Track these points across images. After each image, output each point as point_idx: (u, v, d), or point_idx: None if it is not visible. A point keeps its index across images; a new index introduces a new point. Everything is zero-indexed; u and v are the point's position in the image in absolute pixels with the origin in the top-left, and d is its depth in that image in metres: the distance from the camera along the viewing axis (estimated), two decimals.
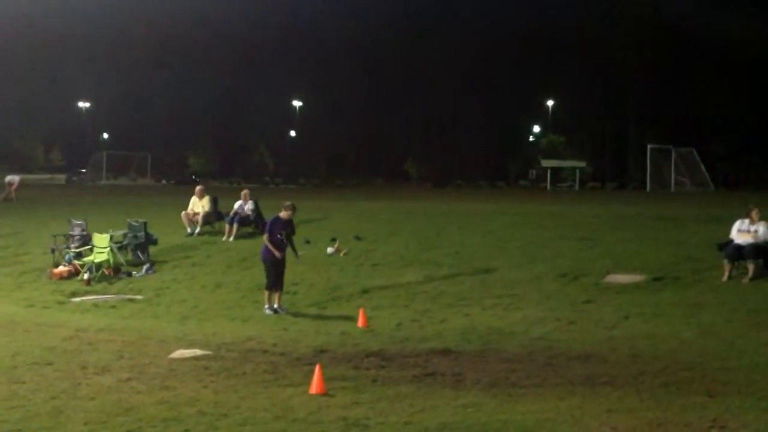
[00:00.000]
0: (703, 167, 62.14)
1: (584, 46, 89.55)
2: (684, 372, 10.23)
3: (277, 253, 15.99)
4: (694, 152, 62.08)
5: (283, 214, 16.39)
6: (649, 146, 62.29)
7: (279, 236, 16.13)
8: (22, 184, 43.65)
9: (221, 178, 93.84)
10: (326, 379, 9.42)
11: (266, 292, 16.00)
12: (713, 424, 7.86)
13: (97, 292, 18.67)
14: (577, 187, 75.03)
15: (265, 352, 11.84)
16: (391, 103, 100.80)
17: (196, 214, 24.81)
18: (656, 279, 16.84)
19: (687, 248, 19.39)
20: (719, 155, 78.69)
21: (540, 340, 12.53)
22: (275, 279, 16.03)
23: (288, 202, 16.76)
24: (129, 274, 20.35)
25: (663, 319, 13.79)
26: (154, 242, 22.49)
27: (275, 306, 15.78)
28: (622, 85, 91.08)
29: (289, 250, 16.40)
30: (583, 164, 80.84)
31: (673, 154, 60.70)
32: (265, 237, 16.29)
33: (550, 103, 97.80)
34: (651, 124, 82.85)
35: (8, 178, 43.72)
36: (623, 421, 7.92)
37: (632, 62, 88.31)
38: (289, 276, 19.06)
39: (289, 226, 16.55)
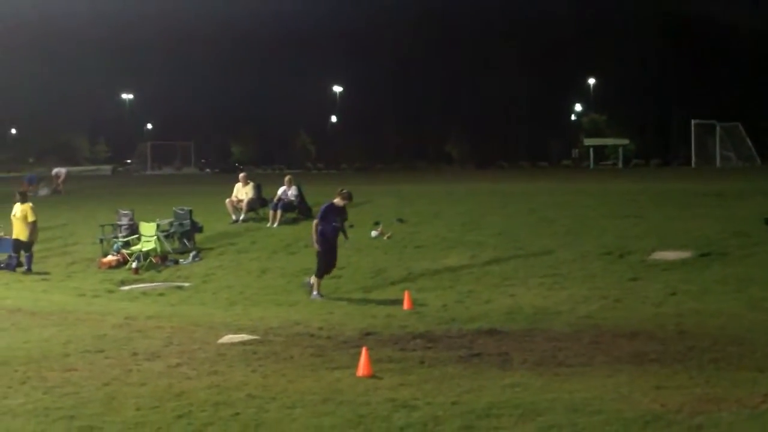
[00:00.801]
0: (749, 141, 61.15)
1: (624, 22, 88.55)
2: (733, 347, 10.14)
3: (316, 246, 15.86)
4: (740, 126, 61.11)
5: (338, 201, 16.23)
6: (693, 121, 61.40)
7: (334, 224, 15.99)
8: (68, 177, 44.22)
9: (264, 166, 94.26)
10: (373, 361, 9.48)
11: (316, 279, 15.88)
12: (764, 399, 7.79)
13: (145, 281, 18.93)
14: (620, 165, 74.25)
15: (311, 335, 11.93)
16: (431, 86, 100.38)
17: (240, 201, 25.00)
18: (703, 255, 16.68)
19: (733, 223, 19.17)
20: (765, 129, 77.35)
21: (586, 319, 12.48)
22: (326, 266, 15.94)
23: (344, 190, 16.64)
24: (176, 262, 20.59)
25: (710, 295, 13.67)
26: (200, 230, 22.71)
27: (315, 292, 15.77)
28: (664, 60, 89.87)
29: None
30: (626, 142, 79.87)
31: (718, 129, 59.78)
32: (314, 222, 16.15)
33: (591, 81, 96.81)
34: (694, 100, 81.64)
35: (55, 170, 44.39)
36: (672, 398, 7.88)
37: (673, 37, 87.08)
38: None
39: (344, 213, 16.42)
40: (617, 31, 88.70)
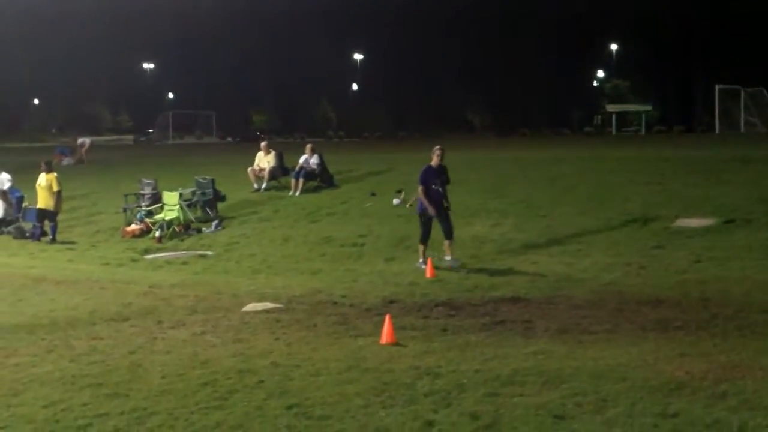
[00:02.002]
0: None
1: None
2: (758, 315, 10.09)
3: (431, 210, 14.80)
4: (765, 92, 60.40)
5: (434, 161, 15.20)
6: (717, 87, 60.76)
7: (434, 186, 14.97)
8: (92, 146, 44.40)
9: (285, 134, 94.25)
10: (396, 329, 9.50)
11: (420, 246, 15.14)
12: None
13: (168, 249, 19.02)
14: (643, 131, 73.73)
15: (335, 303, 11.97)
16: (452, 54, 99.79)
17: (262, 169, 25.04)
18: (727, 222, 16.56)
19: (758, 189, 19.01)
20: None
21: (609, 286, 12.46)
22: (446, 227, 15.13)
23: (436, 147, 15.54)
24: (199, 231, 20.68)
25: (735, 262, 13.59)
26: (222, 198, 22.79)
27: (448, 257, 15.00)
28: (686, 26, 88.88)
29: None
30: (648, 108, 79.32)
31: (742, 95, 59.14)
32: (419, 190, 15.10)
33: (613, 47, 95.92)
34: (718, 65, 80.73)
35: (79, 140, 44.60)
36: (697, 365, 7.86)
37: (695, 3, 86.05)
38: (355, 228, 19.27)
39: (443, 173, 15.26)
40: None
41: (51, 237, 20.61)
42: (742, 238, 15.27)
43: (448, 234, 15.08)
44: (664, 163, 25.02)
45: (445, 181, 15.24)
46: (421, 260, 14.84)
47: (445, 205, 15.19)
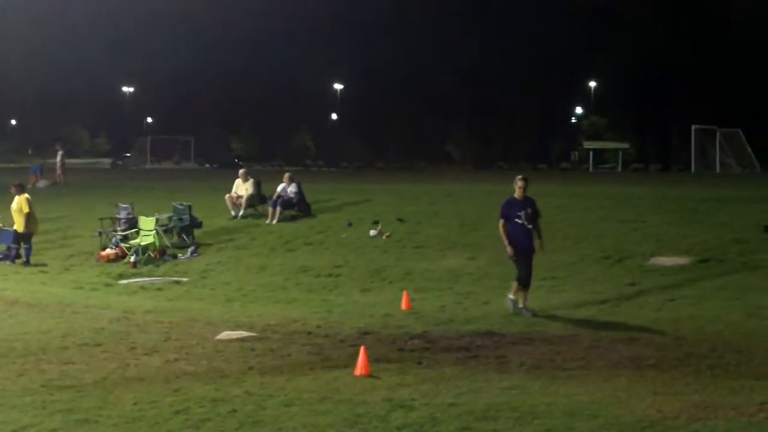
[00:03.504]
0: (749, 148, 61.22)
1: (625, 26, 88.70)
2: (731, 355, 10.15)
3: (508, 249, 13.25)
4: (740, 133, 61.20)
5: (517, 193, 13.45)
6: (693, 127, 61.46)
7: (518, 220, 13.27)
8: (64, 165, 43.70)
9: (263, 162, 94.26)
10: (371, 360, 9.48)
11: (514, 283, 13.43)
12: (761, 407, 7.80)
13: (143, 275, 18.90)
14: (620, 168, 74.36)
15: (309, 333, 11.93)
16: (432, 86, 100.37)
17: (239, 197, 25.00)
18: (702, 261, 16.69)
19: (732, 230, 19.18)
20: (766, 135, 77.35)
21: (584, 323, 12.49)
22: (523, 273, 13.29)
23: (518, 177, 13.70)
24: (174, 257, 20.58)
25: (709, 302, 13.67)
26: (199, 225, 22.71)
27: (520, 305, 13.23)
28: (664, 65, 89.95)
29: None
30: (626, 146, 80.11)
31: (718, 135, 59.86)
32: (499, 225, 13.44)
33: (592, 84, 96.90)
34: (695, 105, 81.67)
35: (59, 152, 43.93)
36: (669, 404, 7.89)
37: (674, 43, 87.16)
38: (332, 258, 19.25)
39: (528, 205, 13.44)
40: (619, 34, 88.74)
41: (24, 259, 20.44)
42: (716, 278, 15.39)
43: (522, 281, 13.28)
44: (640, 201, 25.23)
45: (533, 216, 13.39)
46: (509, 294, 13.40)
47: (537, 244, 13.45)
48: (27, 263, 20.26)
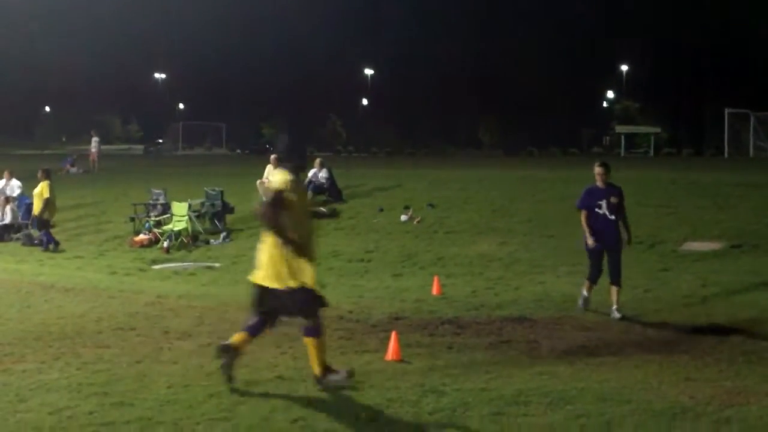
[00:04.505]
0: None
1: (659, 9, 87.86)
2: (764, 341, 10.09)
3: (590, 240, 12.02)
4: None
5: (598, 182, 12.17)
6: (726, 110, 60.79)
7: (598, 210, 11.99)
8: (100, 152, 44.14)
9: None
10: (402, 345, 9.51)
11: (586, 282, 12.34)
12: None
13: (176, 260, 19.08)
14: (652, 153, 73.78)
15: (341, 318, 11.98)
16: (462, 71, 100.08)
17: (271, 182, 25.10)
18: (734, 246, 16.57)
19: (766, 215, 19.02)
20: None
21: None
22: (594, 268, 12.18)
23: (596, 164, 12.44)
24: (207, 242, 20.75)
25: (742, 287, 13.59)
26: (231, 210, 22.87)
27: (614, 307, 11.82)
28: (697, 49, 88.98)
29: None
30: (658, 130, 79.44)
31: (752, 119, 59.16)
32: (581, 216, 12.22)
33: (624, 68, 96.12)
34: (728, 89, 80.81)
35: (93, 140, 44.36)
36: (702, 390, 7.86)
37: (708, 26, 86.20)
38: (363, 243, 19.30)
39: (613, 194, 12.02)
40: (652, 17, 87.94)
41: (43, 246, 20.56)
42: (749, 263, 15.28)
43: (613, 276, 12.05)
44: (673, 185, 25.04)
45: (617, 206, 12.01)
46: (584, 293, 12.30)
47: (624, 237, 12.15)
48: (46, 249, 20.41)
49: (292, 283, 7.84)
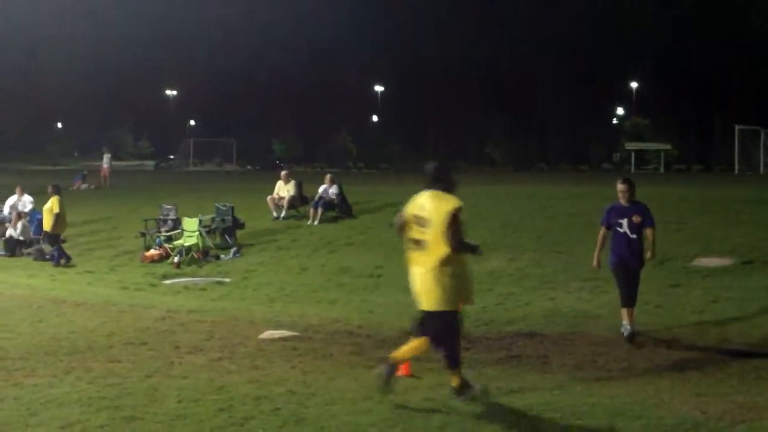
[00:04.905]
0: None
1: (667, 26, 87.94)
2: None
3: (594, 261, 11.85)
4: None
5: (622, 199, 11.74)
6: (737, 127, 60.70)
7: (619, 229, 11.52)
8: (112, 168, 44.41)
9: (305, 164, 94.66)
10: (412, 361, 9.50)
11: (622, 310, 11.61)
12: None
13: (186, 275, 19.13)
14: (662, 169, 73.67)
15: (351, 333, 11.99)
16: (472, 87, 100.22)
17: (281, 198, 25.18)
18: (746, 263, 16.49)
19: None
20: None
21: None
22: (623, 291, 11.59)
23: (621, 179, 12.06)
24: (217, 258, 20.80)
25: (753, 303, 13.51)
26: (241, 226, 22.92)
27: (625, 323, 11.45)
28: (707, 65, 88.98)
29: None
30: (668, 146, 79.30)
31: (762, 135, 59.04)
32: (600, 233, 11.87)
33: (634, 85, 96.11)
34: (738, 105, 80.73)
35: (105, 156, 44.64)
36: (713, 405, 7.83)
37: (717, 43, 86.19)
38: (373, 259, 19.31)
39: (635, 212, 11.58)
40: (661, 34, 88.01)
41: (55, 261, 20.65)
42: (761, 280, 15.20)
43: (623, 300, 11.59)
44: (683, 202, 24.94)
45: (640, 224, 11.52)
46: (624, 323, 11.48)
47: (646, 256, 11.67)
48: (57, 264, 20.50)
49: (441, 306, 8.05)
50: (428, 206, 8.25)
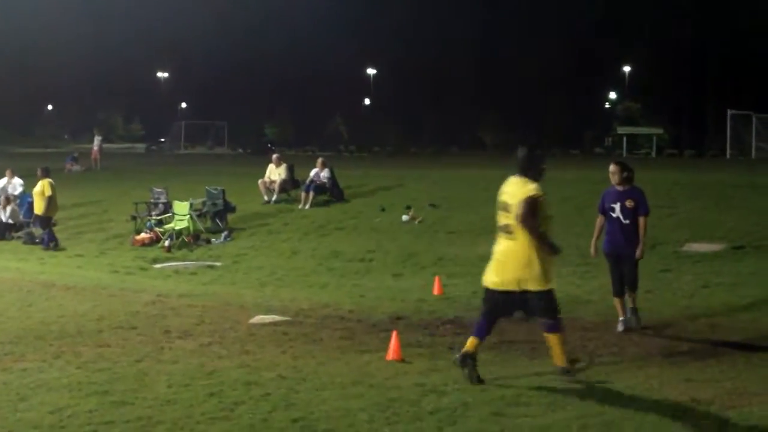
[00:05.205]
0: None
1: (661, 9, 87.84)
2: (766, 342, 10.07)
3: (592, 249, 11.42)
4: None
5: (613, 182, 11.21)
6: (729, 112, 60.74)
7: (612, 214, 11.06)
8: (102, 150, 44.18)
9: (296, 147, 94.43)
10: (403, 345, 9.51)
11: (614, 299, 11.29)
12: None
13: (177, 259, 19.09)
14: (654, 154, 73.71)
15: (342, 318, 11.99)
16: (465, 71, 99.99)
17: (272, 181, 25.14)
18: (736, 248, 16.54)
19: None
20: None
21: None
22: (614, 279, 11.24)
23: (614, 161, 11.59)
24: (208, 241, 20.76)
25: (743, 289, 13.55)
26: (233, 210, 22.88)
27: (628, 313, 11.05)
28: (700, 50, 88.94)
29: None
30: (660, 131, 79.31)
31: (754, 120, 59.09)
32: (597, 220, 11.45)
33: (626, 69, 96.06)
34: (730, 90, 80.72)
35: (96, 138, 44.44)
36: (703, 391, 7.85)
37: (710, 27, 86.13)
38: (364, 243, 19.30)
39: (629, 196, 11.03)
40: (653, 18, 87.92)
41: (44, 244, 20.58)
42: (751, 265, 15.25)
43: (617, 288, 11.24)
44: (675, 186, 24.99)
45: (634, 210, 10.98)
46: (621, 319, 11.05)
47: (638, 252, 11.07)
48: (47, 248, 20.42)
49: (543, 286, 8.31)
50: (511, 191, 8.50)
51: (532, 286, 8.28)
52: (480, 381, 8.18)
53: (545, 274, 8.32)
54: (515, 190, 8.40)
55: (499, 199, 8.59)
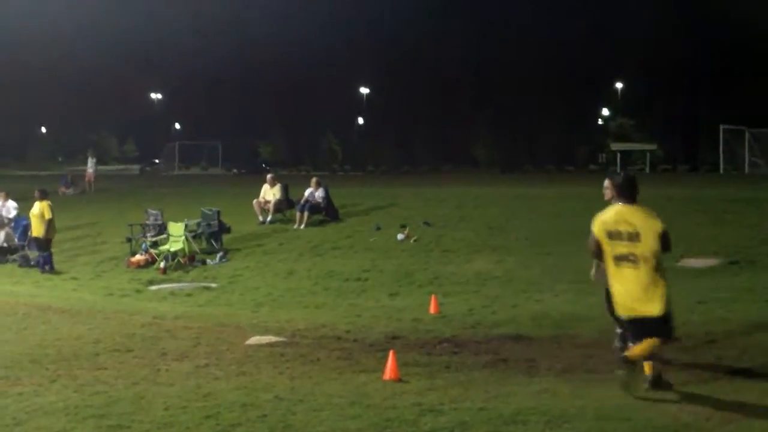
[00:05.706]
0: None
1: (653, 26, 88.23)
2: (762, 357, 10.05)
3: (592, 270, 10.22)
4: None
5: (606, 197, 10.31)
6: (721, 127, 60.90)
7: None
8: (96, 173, 44.18)
9: (290, 167, 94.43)
10: (400, 365, 9.48)
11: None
12: None
13: (173, 280, 19.05)
14: (647, 170, 73.85)
15: (338, 338, 11.96)
16: (457, 89, 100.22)
17: (267, 202, 25.12)
18: (731, 263, 16.56)
19: (762, 231, 19.04)
20: None
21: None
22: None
23: (609, 177, 10.64)
24: (203, 263, 20.71)
25: (739, 304, 13.55)
26: (228, 230, 22.87)
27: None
28: (692, 65, 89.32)
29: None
30: (653, 147, 79.45)
31: (747, 135, 59.25)
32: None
33: (618, 85, 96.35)
34: (723, 105, 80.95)
35: (90, 161, 44.40)
36: (702, 407, 7.83)
37: (702, 43, 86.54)
38: (360, 262, 19.28)
39: None
40: (646, 34, 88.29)
41: (41, 268, 20.51)
42: (746, 280, 15.26)
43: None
44: (669, 202, 25.01)
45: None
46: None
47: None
48: (44, 271, 20.35)
49: (665, 309, 8.76)
50: (634, 221, 8.66)
51: (656, 312, 8.63)
52: (669, 386, 8.52)
53: (666, 299, 8.79)
54: (640, 221, 8.65)
55: (616, 229, 8.68)
